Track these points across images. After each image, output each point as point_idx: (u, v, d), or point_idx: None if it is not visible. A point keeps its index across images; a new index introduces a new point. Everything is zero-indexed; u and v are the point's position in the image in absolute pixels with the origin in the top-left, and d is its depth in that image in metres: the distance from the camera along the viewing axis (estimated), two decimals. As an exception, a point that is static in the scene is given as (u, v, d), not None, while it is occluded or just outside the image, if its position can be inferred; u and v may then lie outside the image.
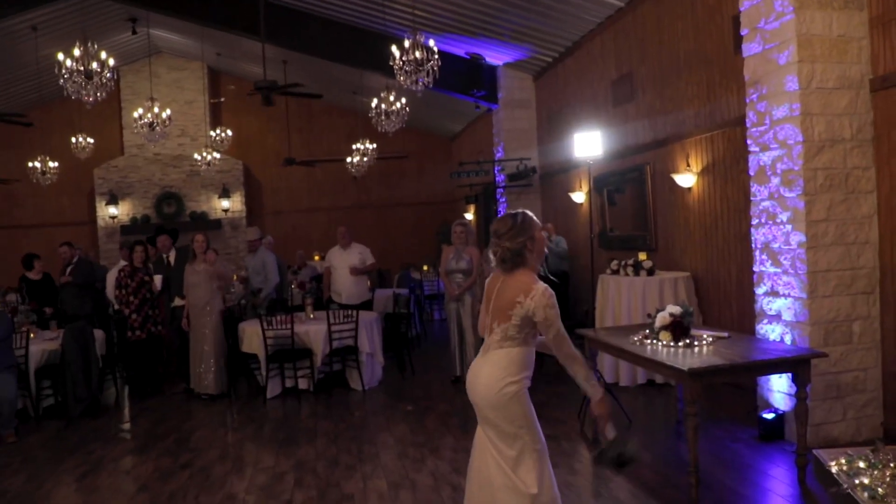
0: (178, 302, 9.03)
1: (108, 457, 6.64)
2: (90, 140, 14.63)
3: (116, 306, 9.24)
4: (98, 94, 7.41)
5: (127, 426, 7.89)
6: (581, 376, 3.38)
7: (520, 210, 3.51)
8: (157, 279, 8.93)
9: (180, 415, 8.13)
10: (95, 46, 7.37)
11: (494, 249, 3.45)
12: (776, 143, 5.84)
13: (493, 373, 3.36)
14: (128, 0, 12.65)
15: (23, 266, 10.18)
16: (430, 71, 8.12)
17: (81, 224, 18.13)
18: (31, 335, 8.26)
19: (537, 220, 3.49)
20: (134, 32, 14.99)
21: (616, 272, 8.25)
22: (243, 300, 10.19)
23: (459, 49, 12.93)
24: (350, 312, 8.48)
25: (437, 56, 8.15)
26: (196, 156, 15.99)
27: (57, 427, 7.78)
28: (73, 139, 14.42)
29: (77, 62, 7.18)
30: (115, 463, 6.48)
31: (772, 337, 5.94)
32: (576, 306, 11.34)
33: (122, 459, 6.59)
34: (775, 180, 5.88)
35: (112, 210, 17.89)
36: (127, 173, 18.05)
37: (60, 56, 7.21)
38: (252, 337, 8.41)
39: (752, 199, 6.24)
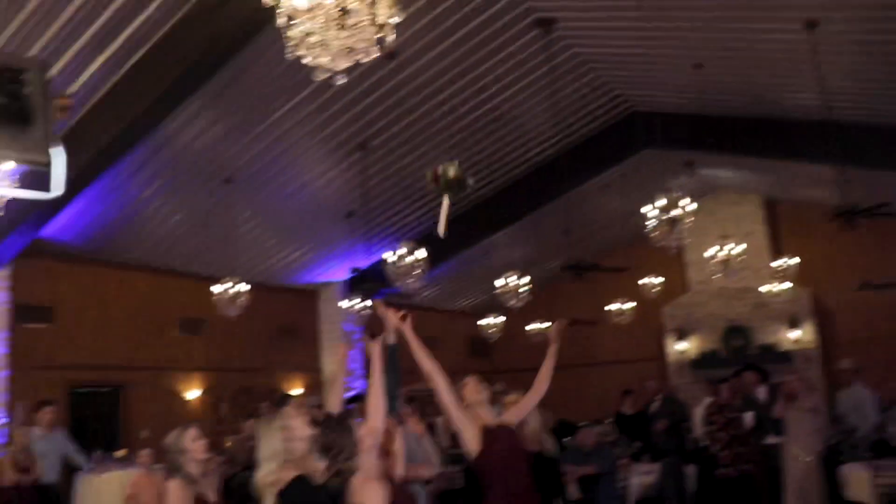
0: (770, 439, 8.80)
1: None
2: (658, 280, 15.64)
3: (705, 442, 9.33)
4: (681, 240, 7.89)
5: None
6: None
7: None
8: (748, 416, 8.84)
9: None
10: (677, 194, 7.93)
11: None
12: None
13: None
14: (687, 147, 13.49)
15: (620, 400, 11.11)
16: None
17: (651, 360, 19.01)
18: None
19: None
20: (690, 176, 15.76)
21: None
22: (834, 440, 9.48)
23: None
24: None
25: None
26: (761, 288, 15.85)
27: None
28: (643, 280, 15.56)
29: (661, 210, 7.80)
30: None
31: None
32: None
33: None
34: None
35: (681, 346, 18.52)
36: (692, 309, 18.61)
37: (645, 208, 7.93)
38: (858, 483, 7.72)
39: None
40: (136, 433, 11.93)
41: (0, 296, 10.80)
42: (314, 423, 3.80)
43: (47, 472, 8.32)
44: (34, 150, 1.74)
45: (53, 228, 10.90)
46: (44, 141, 1.75)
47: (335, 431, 3.49)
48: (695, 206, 7.85)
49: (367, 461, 3.53)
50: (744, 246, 12.51)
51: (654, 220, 7.83)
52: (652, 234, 7.95)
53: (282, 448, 3.68)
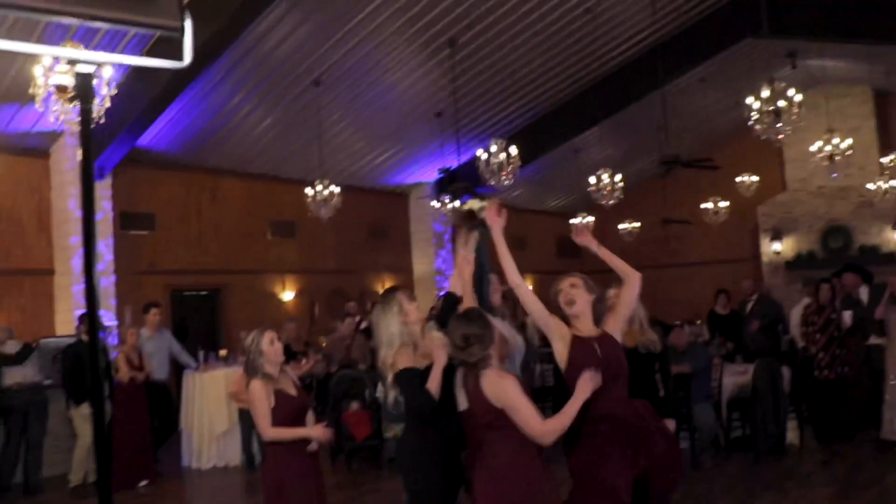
0: (873, 340, 8.52)
1: (805, 499, 6.51)
2: (754, 178, 15.08)
3: (801, 343, 9.12)
4: (785, 132, 7.51)
5: (817, 470, 7.67)
6: None
7: None
8: (847, 315, 8.54)
9: (879, 465, 7.56)
10: (783, 85, 7.51)
11: None
12: None
13: None
14: (793, 35, 12.65)
15: (714, 300, 10.93)
16: None
17: (745, 261, 18.55)
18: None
19: None
20: (793, 67, 14.90)
21: None
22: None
23: None
24: None
25: None
26: (868, 185, 15.10)
27: (745, 460, 7.98)
28: (739, 178, 15.03)
29: (764, 102, 7.40)
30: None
31: None
32: None
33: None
34: None
35: (776, 246, 17.97)
36: (790, 208, 17.94)
37: (749, 99, 7.54)
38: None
39: None
40: (235, 334, 12.43)
41: (104, 204, 11.18)
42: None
43: (157, 369, 8.80)
44: (167, 16, 1.74)
45: (149, 137, 11.16)
46: (175, 7, 1.74)
47: (475, 321, 3.53)
48: (800, 96, 7.41)
49: (496, 355, 3.59)
50: (850, 141, 11.83)
51: (756, 112, 7.44)
52: (755, 127, 7.56)
53: (397, 331, 3.86)
